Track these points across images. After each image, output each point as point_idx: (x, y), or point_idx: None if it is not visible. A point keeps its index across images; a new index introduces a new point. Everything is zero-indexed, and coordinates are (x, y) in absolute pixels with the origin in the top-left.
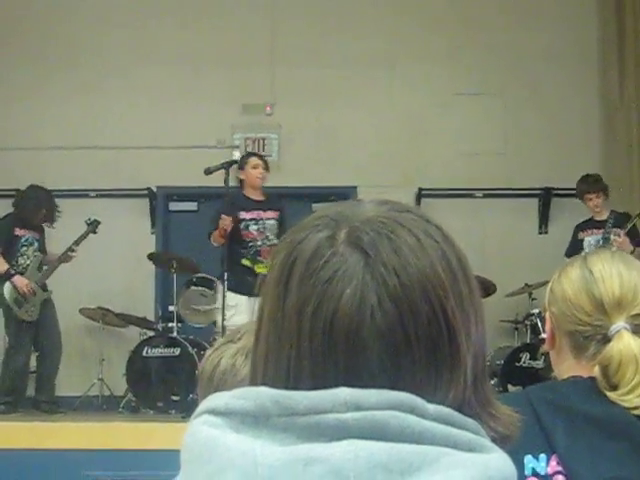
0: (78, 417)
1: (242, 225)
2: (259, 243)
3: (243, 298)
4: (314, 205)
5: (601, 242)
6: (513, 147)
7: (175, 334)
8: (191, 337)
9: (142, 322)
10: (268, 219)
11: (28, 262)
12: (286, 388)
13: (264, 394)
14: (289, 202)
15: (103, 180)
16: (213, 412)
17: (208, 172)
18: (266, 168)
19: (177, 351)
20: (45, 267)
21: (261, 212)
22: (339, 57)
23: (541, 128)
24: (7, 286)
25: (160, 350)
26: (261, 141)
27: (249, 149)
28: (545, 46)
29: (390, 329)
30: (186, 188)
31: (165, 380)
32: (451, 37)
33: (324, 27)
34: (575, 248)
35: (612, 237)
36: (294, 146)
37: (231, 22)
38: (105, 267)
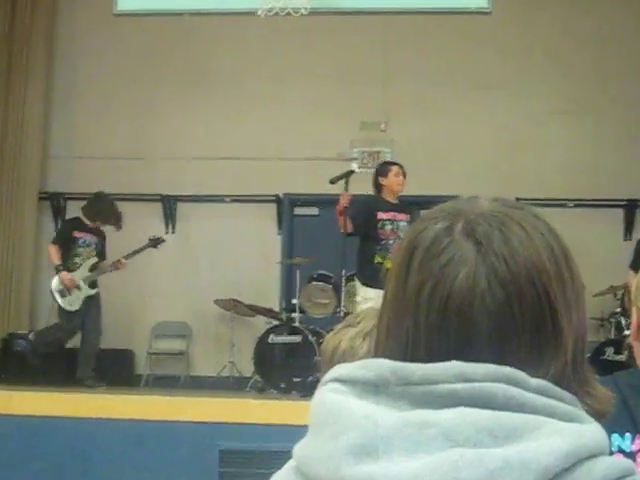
0: (212, 394)
1: (379, 224)
2: (391, 242)
3: (376, 291)
4: (422, 211)
5: None
6: (601, 161)
7: (297, 323)
8: (311, 326)
9: (268, 312)
10: (401, 220)
11: (83, 262)
12: (404, 359)
13: (384, 365)
14: None
15: (237, 187)
16: (338, 380)
17: (333, 182)
18: (404, 176)
19: (298, 338)
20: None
21: (396, 214)
22: (446, 77)
23: (627, 144)
24: (55, 278)
25: (284, 337)
26: (376, 154)
27: (365, 162)
28: (630, 71)
29: (498, 310)
30: (309, 195)
31: (288, 364)
32: (547, 61)
33: (432, 50)
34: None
35: None
36: (405, 158)
37: (349, 49)
38: (237, 264)
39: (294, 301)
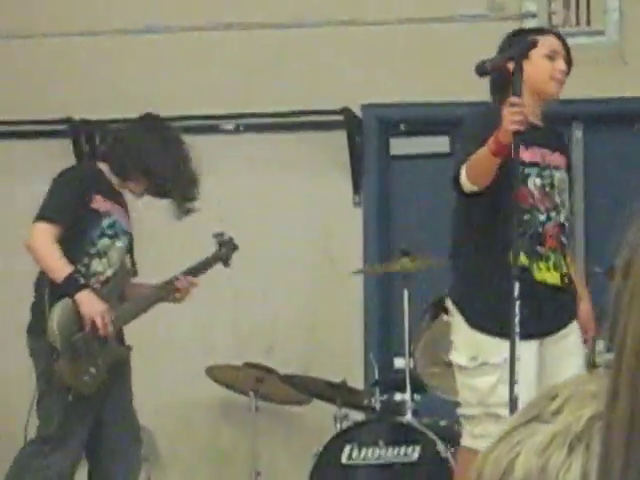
0: None
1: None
2: (542, 217)
3: (521, 345)
4: None
5: None
6: None
7: (409, 416)
8: (443, 423)
9: (339, 392)
10: (557, 167)
11: (109, 272)
12: None
13: None
14: None
15: (257, 97)
16: None
17: (483, 69)
18: (569, 61)
19: (414, 452)
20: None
21: (546, 151)
22: None
23: None
24: (63, 307)
25: (379, 451)
26: (582, 3)
27: (557, 21)
28: None
29: None
30: (424, 106)
31: None
32: None
33: None
34: None
35: None
36: None
37: None
38: (262, 279)
39: (399, 363)
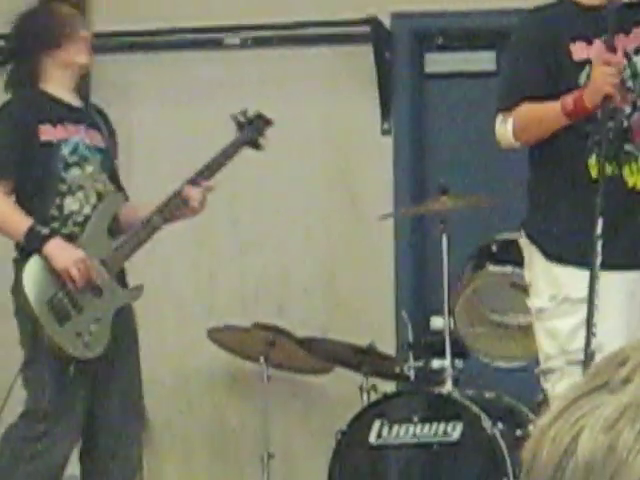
0: None
1: (576, 73)
2: (626, 108)
3: (611, 276)
4: None
5: None
6: None
7: (449, 387)
8: (488, 395)
9: (365, 358)
10: (637, 51)
11: (87, 209)
12: None
13: None
14: None
15: (249, 6)
16: None
17: None
18: None
19: (455, 429)
20: (124, 233)
21: (618, 36)
22: None
23: None
24: (32, 267)
25: (413, 429)
26: None
27: None
28: None
29: None
30: (465, 15)
31: None
32: None
33: None
34: None
35: None
36: None
37: None
38: (273, 225)
39: (437, 323)
